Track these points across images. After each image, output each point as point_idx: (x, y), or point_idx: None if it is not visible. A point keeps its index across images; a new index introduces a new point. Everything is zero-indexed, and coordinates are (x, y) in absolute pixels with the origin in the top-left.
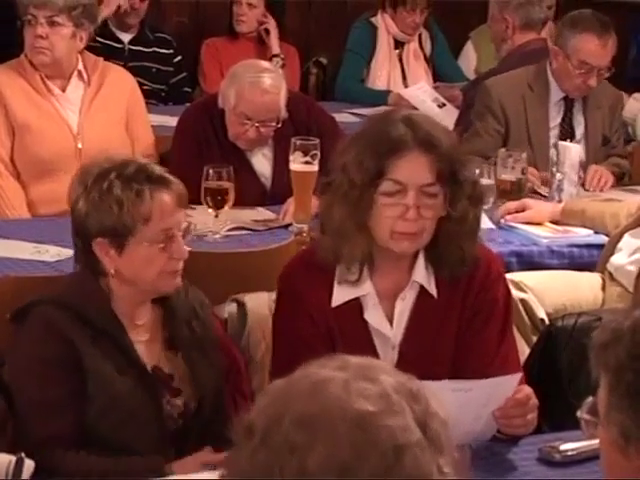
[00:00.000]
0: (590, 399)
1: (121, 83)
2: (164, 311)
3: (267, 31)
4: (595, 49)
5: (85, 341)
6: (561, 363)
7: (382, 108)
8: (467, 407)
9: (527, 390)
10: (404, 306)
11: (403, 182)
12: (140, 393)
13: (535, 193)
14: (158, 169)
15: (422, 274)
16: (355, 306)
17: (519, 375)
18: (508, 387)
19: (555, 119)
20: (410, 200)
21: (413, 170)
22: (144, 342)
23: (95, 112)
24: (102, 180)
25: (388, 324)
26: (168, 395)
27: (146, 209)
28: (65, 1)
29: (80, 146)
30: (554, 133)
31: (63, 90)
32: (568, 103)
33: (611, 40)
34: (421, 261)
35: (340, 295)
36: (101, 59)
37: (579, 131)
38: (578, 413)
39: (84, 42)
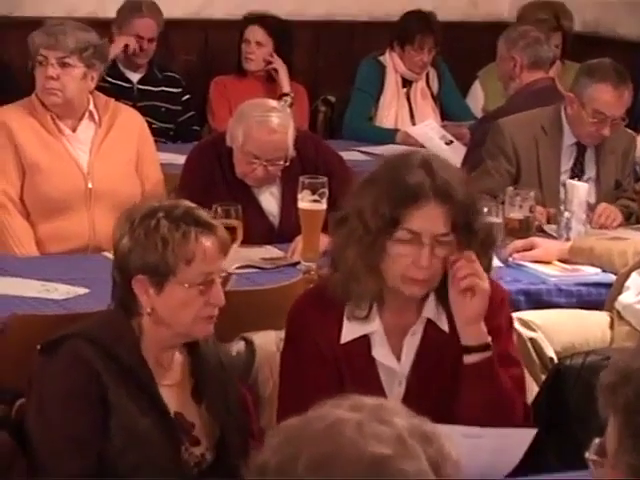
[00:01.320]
0: (597, 440)
1: (131, 124)
2: (192, 358)
3: (276, 70)
4: (610, 99)
5: (112, 377)
6: (570, 402)
7: (391, 147)
8: (477, 454)
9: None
10: (413, 341)
11: (418, 232)
12: (159, 436)
13: (543, 232)
14: (205, 214)
15: (433, 312)
16: (363, 343)
17: (534, 431)
18: (522, 440)
19: (567, 163)
20: (424, 249)
21: (429, 221)
22: (170, 386)
23: (105, 152)
24: (150, 218)
25: (395, 359)
26: (187, 443)
27: (190, 250)
28: (76, 42)
29: (90, 186)
30: (565, 177)
31: (74, 130)
32: (580, 148)
33: (627, 91)
34: (432, 300)
35: (349, 331)
36: (112, 100)
37: (589, 175)
38: (586, 454)
39: (95, 82)
